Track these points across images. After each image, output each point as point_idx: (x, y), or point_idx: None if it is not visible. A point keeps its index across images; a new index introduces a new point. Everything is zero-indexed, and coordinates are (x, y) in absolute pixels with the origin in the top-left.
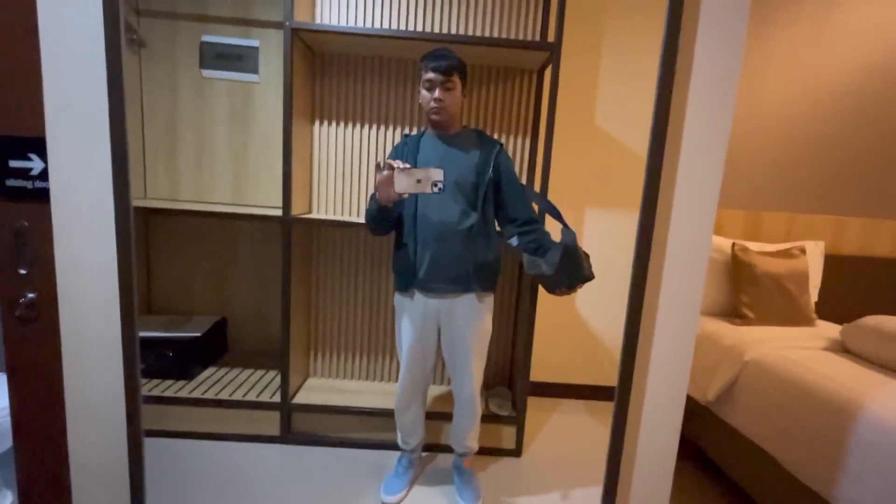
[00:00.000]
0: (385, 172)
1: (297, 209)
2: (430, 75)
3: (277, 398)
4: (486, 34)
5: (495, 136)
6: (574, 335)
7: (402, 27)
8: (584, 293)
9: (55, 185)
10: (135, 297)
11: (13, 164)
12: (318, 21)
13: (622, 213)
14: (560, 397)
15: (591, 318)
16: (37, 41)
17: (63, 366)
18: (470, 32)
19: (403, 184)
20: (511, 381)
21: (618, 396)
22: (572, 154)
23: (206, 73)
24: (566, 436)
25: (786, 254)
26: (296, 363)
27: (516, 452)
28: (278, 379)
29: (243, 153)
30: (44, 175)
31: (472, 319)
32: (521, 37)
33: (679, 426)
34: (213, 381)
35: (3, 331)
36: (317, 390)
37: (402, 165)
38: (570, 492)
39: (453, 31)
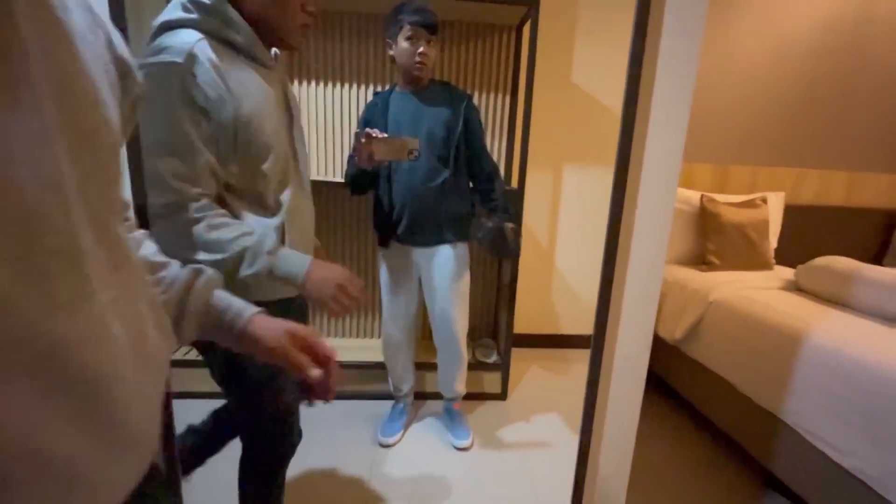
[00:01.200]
0: (363, 141)
1: None
2: (416, 29)
3: None
4: None
5: (474, 94)
6: (553, 288)
7: None
8: (561, 248)
9: None
10: None
11: None
12: None
13: (598, 169)
14: (541, 347)
15: (569, 271)
16: None
17: None
18: None
19: (381, 152)
20: (495, 333)
21: (595, 334)
22: (549, 111)
23: None
24: (546, 381)
25: (749, 204)
26: None
27: (502, 396)
28: None
29: None
30: None
31: (449, 268)
32: None
33: (647, 360)
34: None
35: None
36: None
37: (379, 135)
38: (551, 425)
39: None
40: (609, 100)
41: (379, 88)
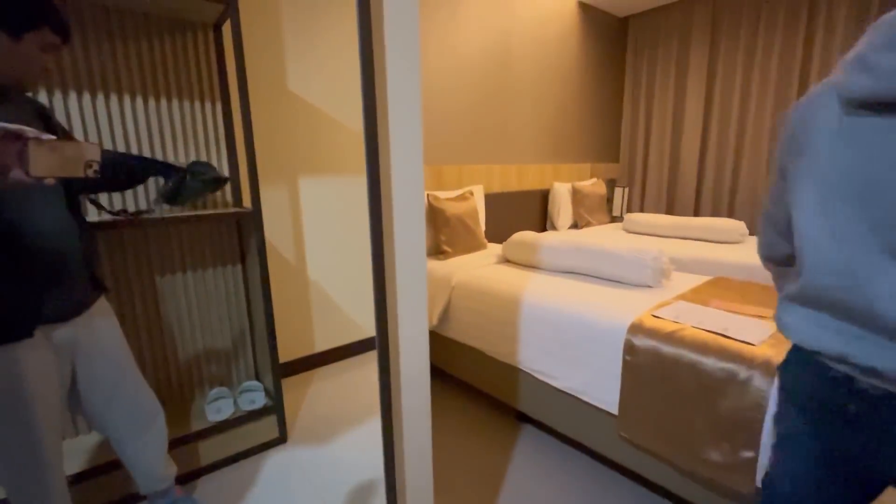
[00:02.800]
0: None
1: None
2: None
3: None
4: None
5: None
6: (310, 305)
7: None
8: (311, 261)
9: None
10: None
11: None
12: None
13: (333, 178)
14: (302, 371)
15: (324, 284)
16: None
17: None
18: None
19: (45, 163)
20: (257, 373)
21: (378, 339)
22: (272, 122)
23: None
24: (323, 403)
25: (462, 197)
26: None
27: (282, 439)
28: None
29: None
30: None
31: (114, 323)
32: None
33: (427, 347)
34: None
35: None
36: None
37: (41, 135)
38: (343, 449)
39: None
40: (331, 108)
41: None
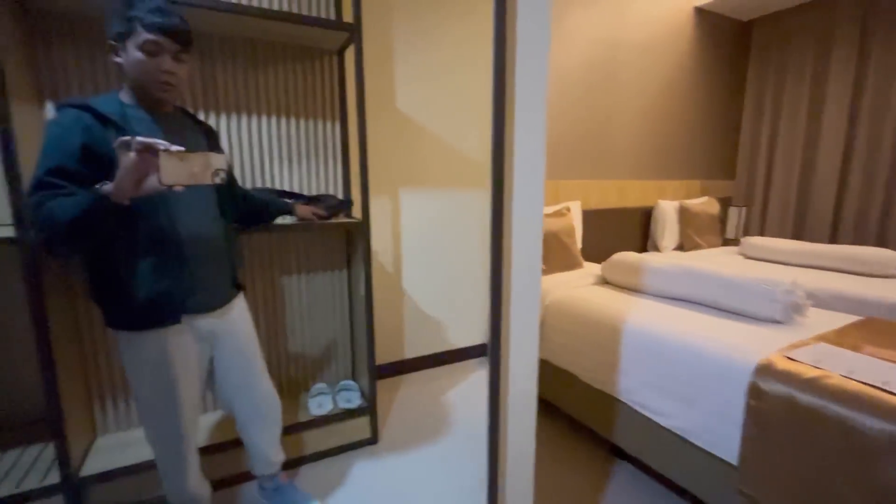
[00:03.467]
0: (133, 156)
1: None
2: (159, 38)
3: (54, 478)
4: (266, 5)
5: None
6: (402, 313)
7: None
8: (406, 270)
9: None
10: None
11: None
12: None
13: (432, 191)
14: (391, 376)
15: (417, 293)
16: None
17: None
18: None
19: (175, 172)
20: (354, 373)
21: (491, 352)
22: (377, 137)
23: None
24: (415, 408)
25: (558, 214)
26: (75, 423)
27: (373, 440)
28: (46, 454)
29: None
30: None
31: (248, 319)
32: (308, 11)
33: (536, 366)
34: None
35: None
36: (111, 450)
37: (171, 147)
38: (429, 458)
39: None
40: (430, 124)
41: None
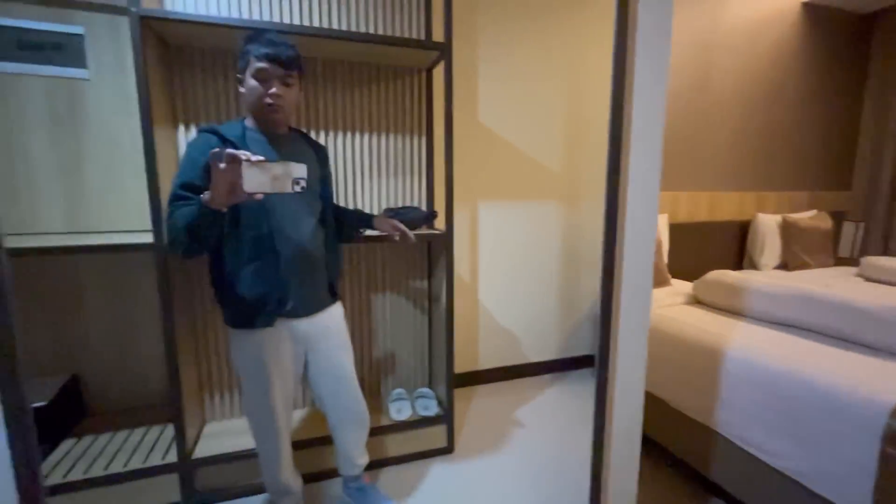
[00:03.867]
0: (224, 166)
1: None
2: (266, 65)
3: (172, 457)
4: (363, 30)
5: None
6: (477, 324)
7: (276, 18)
8: (483, 281)
9: None
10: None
11: None
12: (167, 7)
13: (511, 203)
14: (471, 385)
15: (492, 305)
16: None
17: None
18: (343, 27)
19: (256, 181)
20: (431, 380)
21: (598, 370)
22: (461, 150)
23: (5, 66)
24: (489, 420)
25: None
26: (190, 409)
27: (449, 449)
28: (165, 435)
29: (76, 167)
30: None
31: (343, 327)
32: (399, 33)
33: (643, 392)
34: (75, 457)
35: None
36: (218, 436)
37: (252, 157)
38: (504, 471)
39: (326, 25)
40: (514, 138)
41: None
